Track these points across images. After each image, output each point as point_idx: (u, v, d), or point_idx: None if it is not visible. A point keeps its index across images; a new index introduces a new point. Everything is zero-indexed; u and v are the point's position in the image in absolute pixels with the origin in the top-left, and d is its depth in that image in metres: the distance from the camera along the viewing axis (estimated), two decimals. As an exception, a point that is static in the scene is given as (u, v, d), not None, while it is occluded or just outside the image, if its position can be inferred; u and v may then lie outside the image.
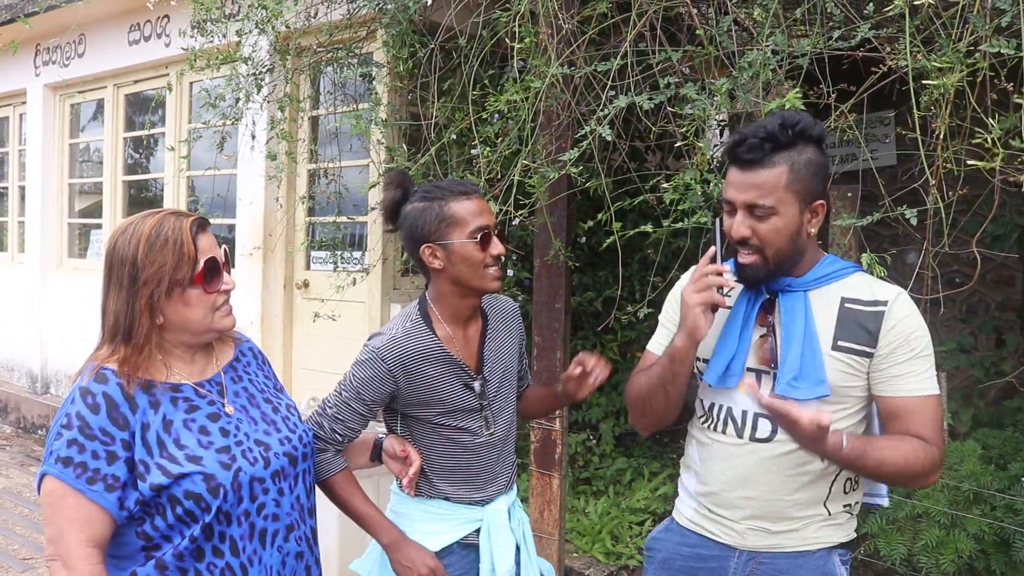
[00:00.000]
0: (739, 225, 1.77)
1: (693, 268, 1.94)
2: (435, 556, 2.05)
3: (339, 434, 2.05)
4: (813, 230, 1.80)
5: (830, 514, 1.85)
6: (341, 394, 2.06)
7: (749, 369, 1.86)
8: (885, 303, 1.78)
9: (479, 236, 2.01)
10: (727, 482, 1.89)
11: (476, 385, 2.11)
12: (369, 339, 2.10)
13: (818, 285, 1.82)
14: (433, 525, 2.12)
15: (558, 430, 3.75)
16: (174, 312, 1.68)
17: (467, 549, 2.13)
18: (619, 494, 4.79)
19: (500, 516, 2.15)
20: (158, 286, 1.64)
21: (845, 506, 1.87)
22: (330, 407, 2.07)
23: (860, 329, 1.77)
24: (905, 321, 1.76)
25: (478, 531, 2.13)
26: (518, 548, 2.19)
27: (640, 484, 4.84)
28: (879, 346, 1.76)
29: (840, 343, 1.78)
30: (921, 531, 3.21)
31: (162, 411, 1.65)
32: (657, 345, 2.05)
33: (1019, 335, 5.04)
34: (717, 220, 1.86)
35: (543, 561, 2.31)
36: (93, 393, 1.60)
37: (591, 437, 5.28)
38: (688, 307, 1.78)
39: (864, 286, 1.82)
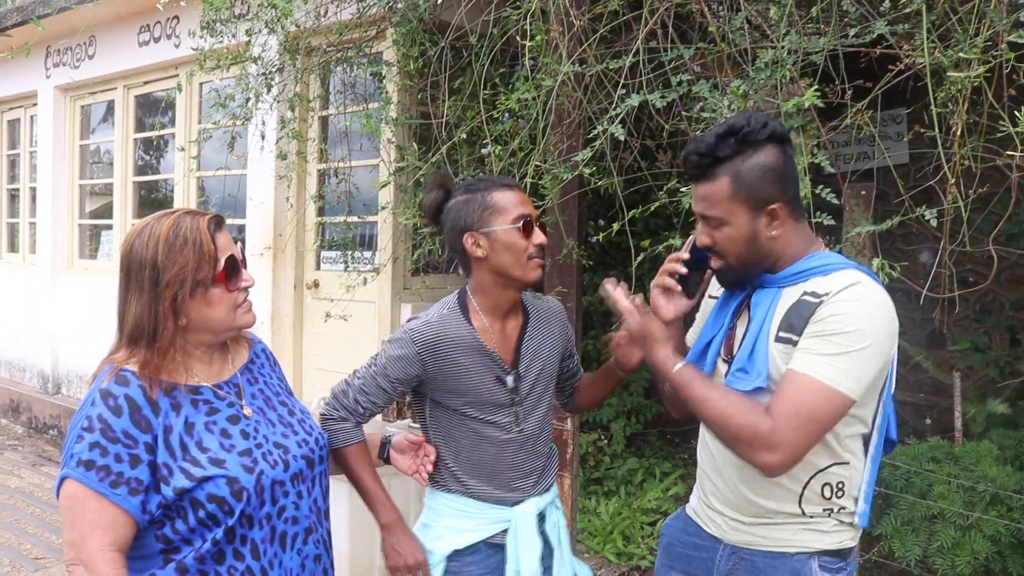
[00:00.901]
0: (700, 235, 1.85)
1: None
2: (425, 552, 2.07)
3: (362, 406, 2.08)
4: (774, 233, 1.76)
5: (808, 515, 1.80)
6: (371, 367, 2.10)
7: (724, 360, 1.89)
8: (829, 293, 1.70)
9: (522, 223, 2.03)
10: (703, 468, 1.97)
11: (509, 380, 2.11)
12: (407, 321, 2.14)
13: (792, 282, 1.79)
14: (459, 522, 2.12)
15: (569, 430, 3.74)
16: (197, 313, 1.66)
17: (493, 549, 2.12)
18: (630, 494, 4.77)
19: (528, 519, 2.13)
20: (181, 287, 1.62)
21: (826, 511, 1.80)
22: (358, 378, 2.11)
23: (798, 318, 1.72)
24: (833, 304, 1.67)
25: (507, 531, 2.12)
26: (551, 551, 2.18)
27: (651, 484, 4.83)
28: (802, 333, 1.70)
29: (779, 333, 1.75)
30: (936, 532, 3.18)
31: (184, 413, 1.64)
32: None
33: (1034, 334, 4.99)
34: None
35: (581, 565, 2.28)
36: (115, 395, 1.58)
37: (602, 437, 5.27)
38: (652, 302, 1.96)
39: (832, 281, 1.73)
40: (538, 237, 2.07)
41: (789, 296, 1.78)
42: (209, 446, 1.63)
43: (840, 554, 1.82)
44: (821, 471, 1.77)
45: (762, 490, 1.81)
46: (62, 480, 1.57)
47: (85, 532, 1.54)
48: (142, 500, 1.56)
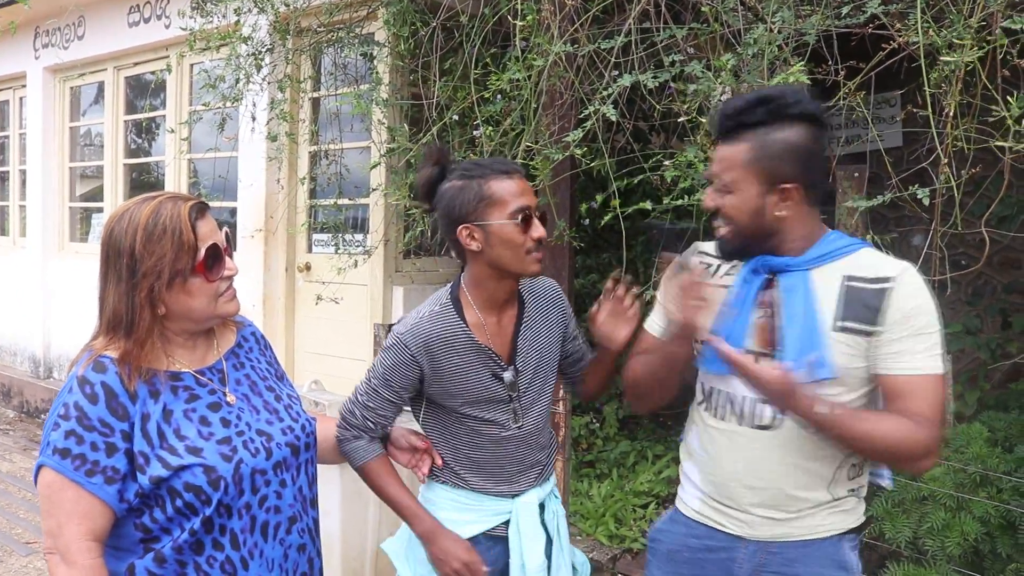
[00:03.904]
0: (708, 196, 1.80)
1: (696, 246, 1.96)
2: (471, 548, 1.99)
3: (371, 421, 2.01)
4: (781, 213, 1.73)
5: (835, 499, 1.81)
6: (370, 381, 2.01)
7: (748, 351, 1.76)
8: (889, 279, 1.70)
9: (520, 217, 1.91)
10: (731, 471, 1.84)
11: (506, 376, 2.02)
12: (397, 323, 2.05)
13: (820, 263, 1.75)
14: (459, 515, 2.05)
15: (562, 413, 3.73)
16: (176, 302, 1.63)
17: (493, 541, 2.06)
18: (623, 477, 4.78)
19: (529, 509, 2.06)
20: (158, 279, 1.58)
21: (851, 491, 1.82)
22: (360, 394, 2.03)
23: (863, 307, 1.69)
24: (907, 297, 1.69)
25: (507, 523, 2.06)
26: (550, 541, 2.11)
27: (644, 467, 4.83)
28: (880, 324, 1.69)
29: (842, 323, 1.71)
30: (927, 514, 3.19)
31: (162, 401, 1.61)
32: (653, 324, 2.01)
33: (1026, 317, 5.00)
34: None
35: (578, 553, 2.24)
36: (91, 383, 1.55)
37: (595, 420, 5.28)
38: (687, 320, 1.75)
39: (869, 263, 1.74)
40: (537, 230, 1.93)
41: (823, 280, 1.74)
42: (187, 434, 1.61)
43: (857, 530, 1.86)
44: (848, 454, 1.78)
45: (802, 484, 1.79)
46: (39, 468, 1.56)
47: (62, 521, 1.53)
48: (119, 489, 1.55)
